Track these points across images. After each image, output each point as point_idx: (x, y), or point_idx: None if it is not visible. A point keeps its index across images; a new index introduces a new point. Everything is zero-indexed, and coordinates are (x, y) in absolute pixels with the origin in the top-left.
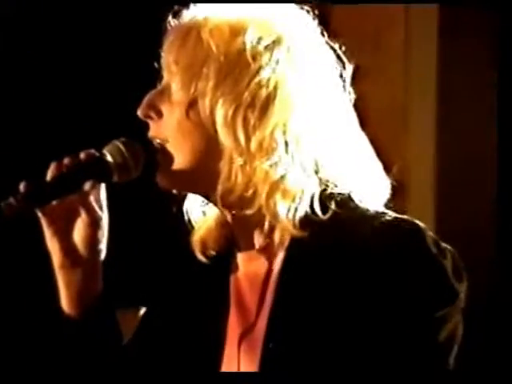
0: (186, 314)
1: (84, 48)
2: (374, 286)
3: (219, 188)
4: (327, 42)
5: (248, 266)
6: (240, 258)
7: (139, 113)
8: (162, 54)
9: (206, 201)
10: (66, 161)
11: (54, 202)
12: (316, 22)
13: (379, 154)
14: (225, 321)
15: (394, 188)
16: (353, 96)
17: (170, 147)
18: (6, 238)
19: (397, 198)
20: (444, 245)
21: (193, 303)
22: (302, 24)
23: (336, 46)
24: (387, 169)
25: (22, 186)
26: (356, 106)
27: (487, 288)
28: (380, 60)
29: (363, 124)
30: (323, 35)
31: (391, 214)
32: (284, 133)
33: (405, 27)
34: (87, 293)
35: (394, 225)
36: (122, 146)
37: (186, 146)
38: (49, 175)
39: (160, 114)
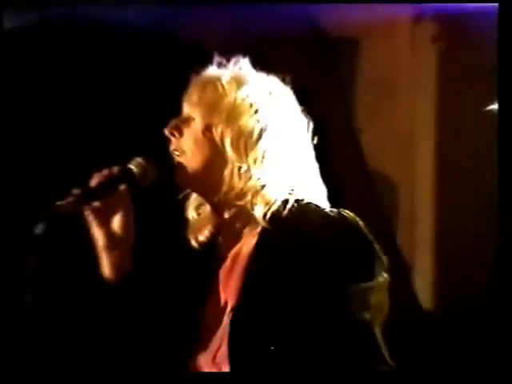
0: (175, 290)
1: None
2: (317, 262)
3: (224, 187)
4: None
5: (230, 249)
6: (223, 243)
7: (166, 131)
8: (186, 96)
9: (200, 204)
10: (104, 172)
11: (98, 202)
12: (291, 89)
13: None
14: (209, 291)
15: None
16: (313, 142)
17: (186, 157)
18: (61, 231)
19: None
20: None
21: (183, 281)
22: (283, 87)
23: (301, 108)
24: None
25: (74, 191)
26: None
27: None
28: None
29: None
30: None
31: (334, 209)
32: (271, 155)
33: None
34: (122, 268)
35: (335, 216)
36: (142, 161)
37: (199, 155)
38: (93, 182)
39: (182, 134)
